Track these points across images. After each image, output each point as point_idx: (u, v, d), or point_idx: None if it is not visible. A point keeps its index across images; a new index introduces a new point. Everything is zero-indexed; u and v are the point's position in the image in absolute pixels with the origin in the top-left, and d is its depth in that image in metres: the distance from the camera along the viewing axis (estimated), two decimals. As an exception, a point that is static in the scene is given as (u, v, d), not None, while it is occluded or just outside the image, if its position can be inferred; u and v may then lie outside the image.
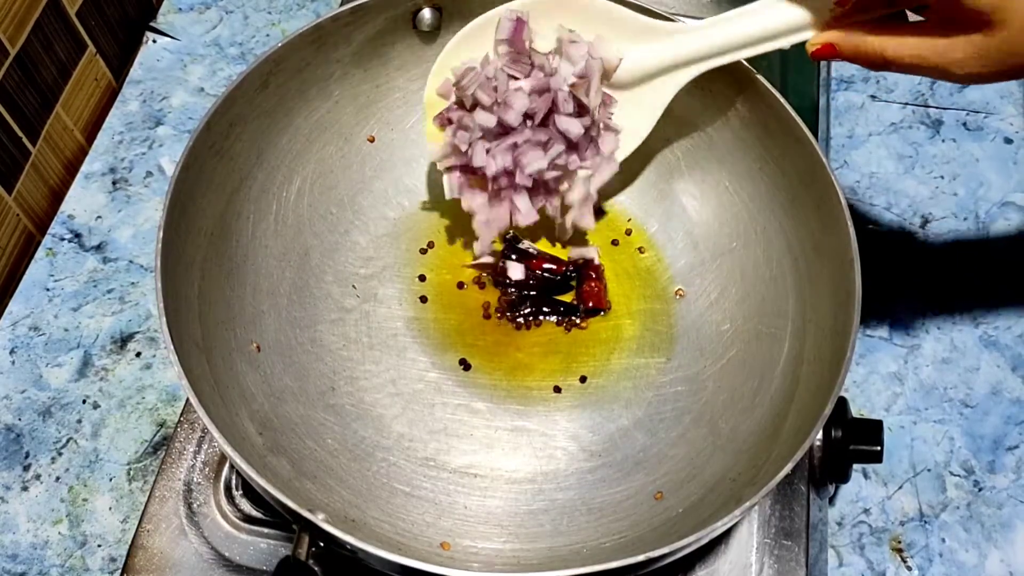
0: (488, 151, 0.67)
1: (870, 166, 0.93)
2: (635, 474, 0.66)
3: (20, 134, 0.85)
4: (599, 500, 0.65)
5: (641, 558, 0.52)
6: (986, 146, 0.94)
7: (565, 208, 0.71)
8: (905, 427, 0.80)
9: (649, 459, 0.67)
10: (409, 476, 0.66)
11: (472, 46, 0.68)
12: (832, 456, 0.68)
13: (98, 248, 0.87)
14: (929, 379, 0.82)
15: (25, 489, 0.76)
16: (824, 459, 0.68)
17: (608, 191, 0.76)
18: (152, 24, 1.01)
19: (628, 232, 0.76)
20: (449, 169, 0.70)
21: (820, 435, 0.67)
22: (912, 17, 0.60)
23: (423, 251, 0.75)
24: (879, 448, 0.67)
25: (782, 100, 0.67)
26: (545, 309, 0.72)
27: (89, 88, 0.95)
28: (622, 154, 0.71)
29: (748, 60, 0.68)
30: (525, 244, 0.74)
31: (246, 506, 0.67)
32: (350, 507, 0.62)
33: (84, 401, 0.79)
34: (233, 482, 0.68)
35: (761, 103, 0.68)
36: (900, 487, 0.77)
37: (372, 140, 0.76)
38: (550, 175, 0.68)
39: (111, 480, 0.76)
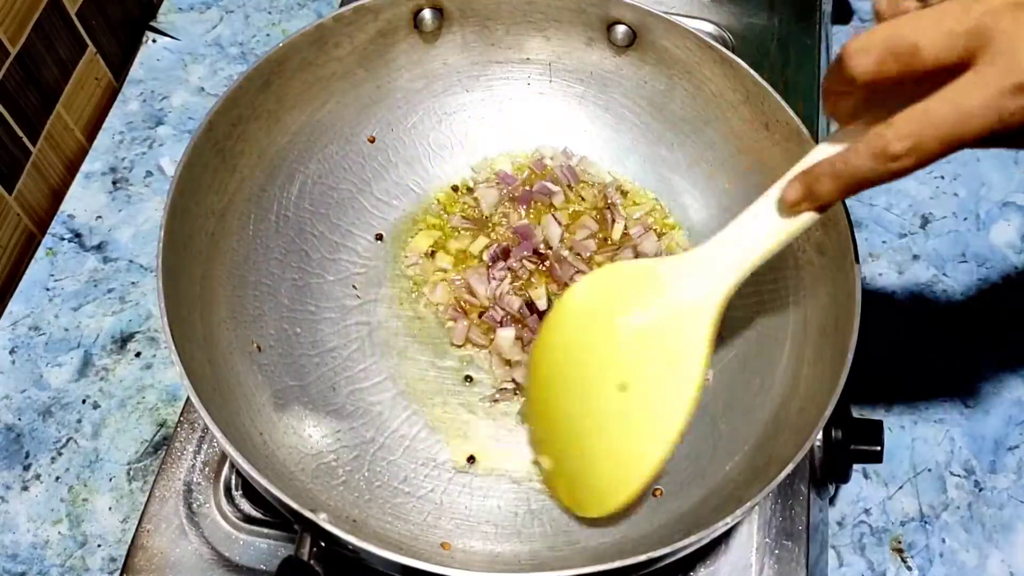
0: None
1: (870, 166, 0.93)
2: (635, 474, 0.66)
3: (21, 134, 0.85)
4: (599, 500, 0.65)
5: (642, 558, 0.52)
6: (986, 147, 0.94)
7: None
8: (905, 427, 0.80)
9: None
10: (410, 476, 0.66)
11: None
12: (833, 456, 0.68)
13: (98, 248, 0.87)
14: (930, 379, 0.82)
15: (25, 489, 0.75)
16: (825, 459, 0.68)
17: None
18: (152, 24, 1.01)
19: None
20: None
21: (820, 435, 0.67)
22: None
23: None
24: (879, 448, 0.67)
25: (782, 101, 0.67)
26: None
27: (90, 88, 0.95)
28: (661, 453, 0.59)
29: (747, 60, 0.68)
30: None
31: (246, 506, 0.67)
32: (351, 507, 0.62)
33: (84, 401, 0.79)
34: (233, 482, 0.68)
35: (761, 104, 0.68)
36: (901, 487, 0.77)
37: (372, 141, 0.76)
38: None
39: (111, 480, 0.76)
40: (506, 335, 0.70)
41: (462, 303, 0.72)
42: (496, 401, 0.69)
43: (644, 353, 0.59)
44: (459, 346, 0.71)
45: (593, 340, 0.61)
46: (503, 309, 0.71)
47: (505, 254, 0.73)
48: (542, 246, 0.74)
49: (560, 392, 0.63)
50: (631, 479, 0.59)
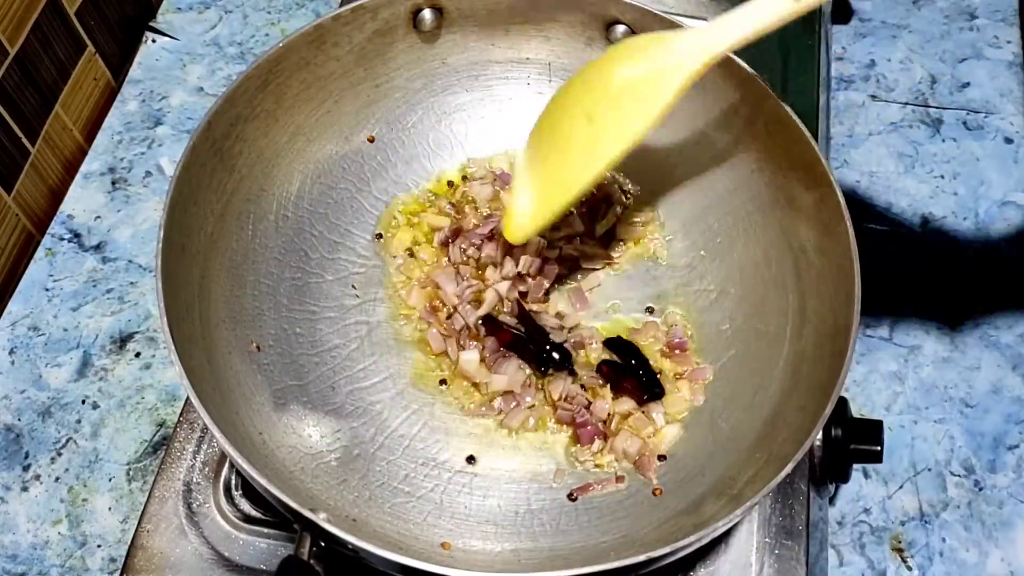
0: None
1: (870, 165, 0.94)
2: (635, 474, 0.66)
3: (19, 134, 0.85)
4: (599, 499, 0.65)
5: (641, 558, 0.52)
6: (986, 145, 0.94)
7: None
8: (905, 426, 0.80)
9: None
10: (410, 476, 0.66)
11: None
12: (832, 456, 0.68)
13: (97, 248, 0.87)
14: (929, 378, 0.82)
15: (25, 489, 0.75)
16: (824, 459, 0.68)
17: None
18: (151, 24, 1.01)
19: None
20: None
21: (820, 435, 0.67)
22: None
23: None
24: (879, 448, 0.67)
25: (781, 101, 0.67)
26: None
27: (88, 88, 0.95)
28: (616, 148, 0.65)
29: (746, 60, 0.68)
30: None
31: (246, 506, 0.67)
32: (351, 506, 0.62)
33: (84, 401, 0.79)
34: (233, 482, 0.68)
35: (761, 103, 0.68)
36: (900, 486, 0.77)
37: (372, 140, 0.76)
38: None
39: (111, 480, 0.76)
40: (470, 358, 0.68)
41: (434, 305, 0.71)
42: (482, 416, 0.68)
43: (621, 95, 0.65)
44: (437, 355, 0.70)
45: (590, 87, 0.67)
46: (463, 319, 0.69)
47: (455, 235, 0.72)
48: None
49: (546, 130, 0.69)
50: (562, 195, 0.66)
